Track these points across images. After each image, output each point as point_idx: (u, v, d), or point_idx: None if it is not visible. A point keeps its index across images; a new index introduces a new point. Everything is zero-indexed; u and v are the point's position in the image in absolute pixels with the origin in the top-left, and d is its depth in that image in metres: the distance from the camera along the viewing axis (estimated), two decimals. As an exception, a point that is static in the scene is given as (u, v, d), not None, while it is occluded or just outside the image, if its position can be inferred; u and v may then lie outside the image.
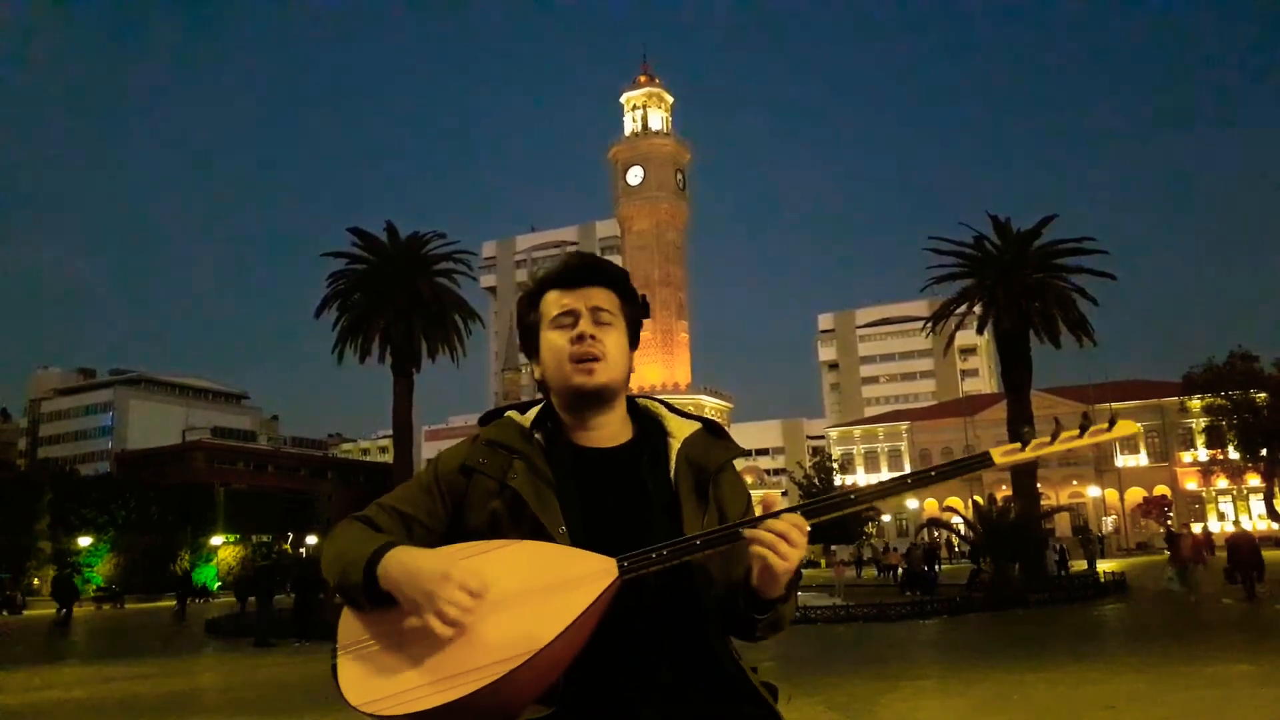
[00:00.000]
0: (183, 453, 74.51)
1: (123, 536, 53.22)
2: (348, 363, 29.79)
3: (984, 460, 1.40)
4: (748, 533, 1.38)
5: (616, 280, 1.64)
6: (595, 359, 1.55)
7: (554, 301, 1.60)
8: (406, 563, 1.37)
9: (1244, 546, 19.04)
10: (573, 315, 1.57)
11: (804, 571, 1.68)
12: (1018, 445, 1.40)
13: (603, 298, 1.60)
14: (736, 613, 1.49)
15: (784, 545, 1.36)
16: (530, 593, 1.37)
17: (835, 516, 1.43)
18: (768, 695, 1.52)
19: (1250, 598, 17.73)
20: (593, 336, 1.55)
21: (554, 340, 1.58)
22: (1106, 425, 1.39)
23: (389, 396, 29.19)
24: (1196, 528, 38.02)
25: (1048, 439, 1.39)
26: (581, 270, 1.62)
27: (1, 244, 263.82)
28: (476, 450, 1.58)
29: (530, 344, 1.64)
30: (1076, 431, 1.38)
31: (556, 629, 1.33)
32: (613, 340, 1.58)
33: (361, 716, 1.34)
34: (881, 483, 1.45)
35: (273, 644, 17.01)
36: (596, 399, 1.57)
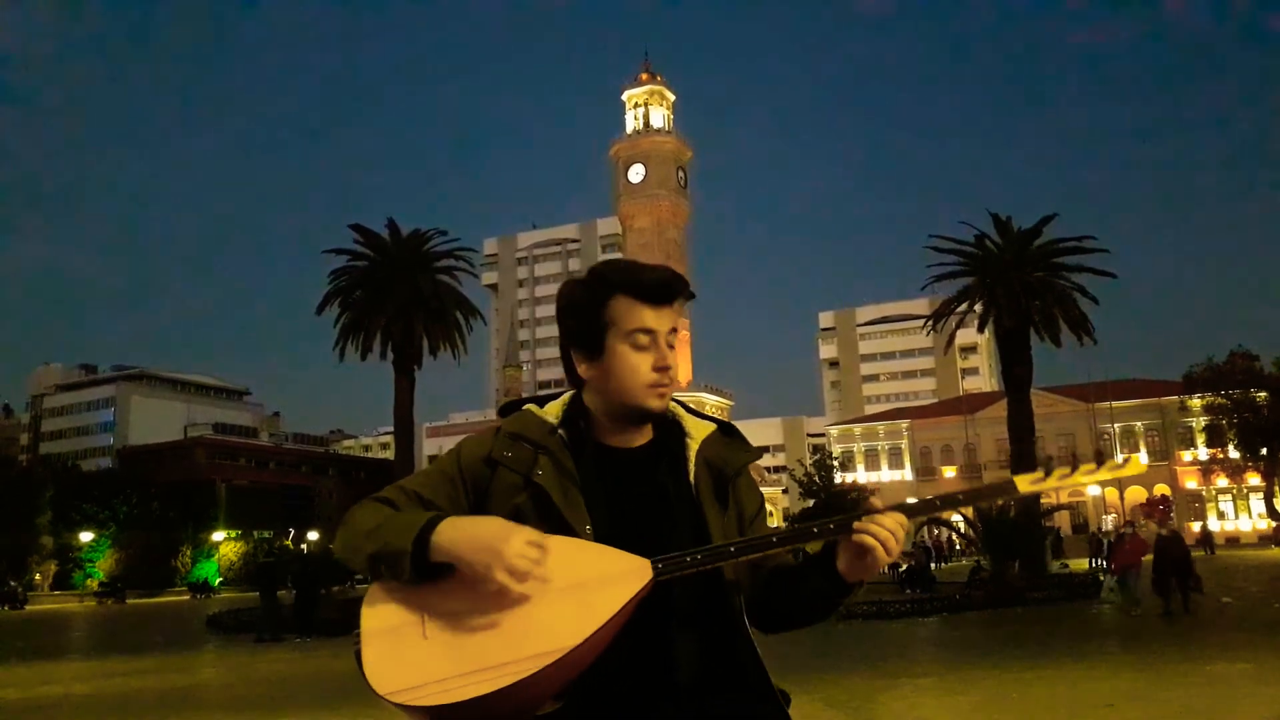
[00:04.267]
0: (184, 449, 74.62)
1: (124, 532, 53.39)
2: (349, 360, 29.93)
3: (1009, 488, 1.53)
4: (859, 525, 1.43)
5: (682, 298, 1.61)
6: (669, 385, 1.56)
7: (632, 313, 1.52)
8: (464, 527, 1.36)
9: (1172, 551, 16.06)
10: (651, 336, 1.53)
11: None
12: (1040, 474, 1.53)
13: (674, 319, 1.57)
14: (813, 595, 1.52)
15: (893, 542, 1.43)
16: (567, 588, 1.35)
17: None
18: (781, 701, 1.52)
19: (1166, 613, 15.28)
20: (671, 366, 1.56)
21: (632, 359, 1.52)
22: (1121, 461, 1.56)
23: (390, 393, 29.29)
24: (1208, 526, 37.16)
25: (1068, 469, 1.53)
26: (667, 290, 1.55)
27: (5, 241, 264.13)
28: (501, 442, 1.56)
29: (591, 342, 1.55)
30: (1094, 465, 1.53)
31: (592, 626, 1.32)
32: (676, 361, 1.61)
33: (378, 706, 1.32)
34: (912, 502, 1.55)
35: (274, 639, 17.05)
36: (653, 417, 1.59)
